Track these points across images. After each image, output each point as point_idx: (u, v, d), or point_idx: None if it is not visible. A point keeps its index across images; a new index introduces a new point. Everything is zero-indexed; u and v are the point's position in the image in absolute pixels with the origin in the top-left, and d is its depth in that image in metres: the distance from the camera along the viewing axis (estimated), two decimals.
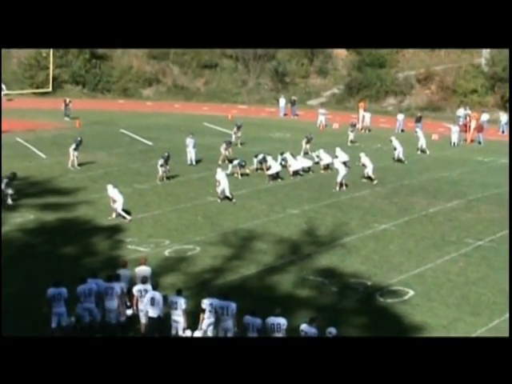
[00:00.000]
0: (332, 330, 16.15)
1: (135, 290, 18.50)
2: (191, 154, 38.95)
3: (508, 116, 55.55)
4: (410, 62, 69.48)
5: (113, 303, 18.20)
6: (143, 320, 18.15)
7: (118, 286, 18.34)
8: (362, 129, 54.91)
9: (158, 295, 17.89)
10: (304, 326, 16.40)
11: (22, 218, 28.11)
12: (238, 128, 45.72)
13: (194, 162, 38.73)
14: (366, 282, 22.83)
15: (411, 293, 21.98)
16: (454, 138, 49.54)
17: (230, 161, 37.06)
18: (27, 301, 19.84)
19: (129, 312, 18.74)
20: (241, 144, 45.03)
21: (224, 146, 39.48)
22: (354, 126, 49.15)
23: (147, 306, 17.84)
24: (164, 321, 17.97)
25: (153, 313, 17.80)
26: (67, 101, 50.99)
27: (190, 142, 39.15)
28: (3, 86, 59.40)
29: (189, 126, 51.86)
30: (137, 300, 18.38)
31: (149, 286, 18.27)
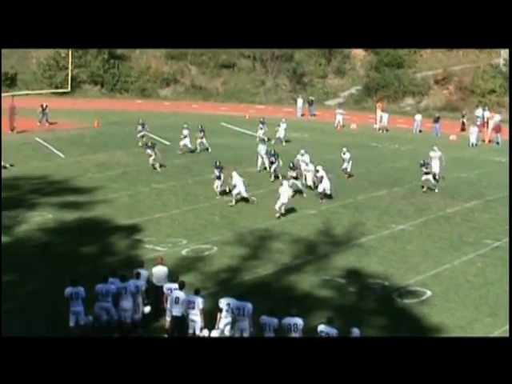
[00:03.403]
0: (355, 331, 16.12)
1: (165, 288, 18.68)
2: (185, 141, 41.53)
3: None
4: (428, 62, 69.28)
5: (127, 302, 18.27)
6: (168, 317, 18.31)
7: (133, 285, 18.41)
8: (379, 129, 54.86)
9: (182, 295, 17.98)
10: (323, 327, 16.31)
11: (41, 217, 28.25)
12: (263, 123, 46.62)
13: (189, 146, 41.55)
14: (383, 283, 22.80)
15: (429, 293, 21.94)
16: (473, 138, 49.43)
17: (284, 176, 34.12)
18: (46, 300, 19.96)
19: (146, 310, 18.81)
20: (268, 139, 45.33)
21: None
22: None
23: (172, 305, 17.98)
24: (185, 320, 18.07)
25: (176, 312, 17.92)
26: (44, 105, 50.30)
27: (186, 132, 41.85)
28: None
29: (206, 125, 51.99)
30: (166, 298, 18.51)
31: (176, 285, 18.37)
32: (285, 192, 29.09)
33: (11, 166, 36.12)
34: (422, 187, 34.32)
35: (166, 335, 18.14)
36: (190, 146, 41.58)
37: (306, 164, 34.91)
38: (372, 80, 68.32)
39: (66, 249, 24.82)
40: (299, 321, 16.63)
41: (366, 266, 24.24)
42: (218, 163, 32.26)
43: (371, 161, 41.85)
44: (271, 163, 35.73)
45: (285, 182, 30.05)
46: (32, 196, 31.27)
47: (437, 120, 53.71)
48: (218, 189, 31.81)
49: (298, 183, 32.69)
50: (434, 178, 35.56)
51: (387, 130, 54.32)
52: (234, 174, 31.36)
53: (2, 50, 62.48)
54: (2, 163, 35.19)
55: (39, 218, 28.16)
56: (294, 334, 16.51)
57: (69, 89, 55.29)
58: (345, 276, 23.20)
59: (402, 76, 67.60)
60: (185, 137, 41.48)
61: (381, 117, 55.41)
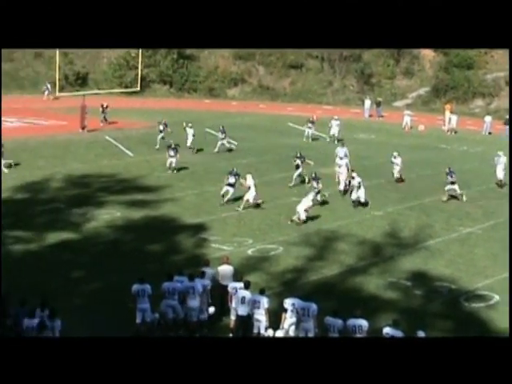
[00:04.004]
0: (421, 334, 15.98)
1: (230, 287, 18.78)
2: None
3: None
4: (499, 63, 68.16)
5: (194, 302, 18.37)
6: (233, 316, 18.39)
7: (200, 284, 18.52)
8: (448, 131, 54.31)
9: (248, 294, 18.04)
10: (388, 329, 16.21)
11: (109, 214, 28.64)
12: (312, 122, 47.21)
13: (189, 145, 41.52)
14: (449, 286, 22.57)
15: (496, 298, 21.63)
16: None
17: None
18: (113, 296, 20.24)
19: (211, 310, 18.92)
20: (312, 139, 45.40)
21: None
22: None
23: (238, 304, 18.07)
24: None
25: (242, 311, 18.01)
26: (104, 105, 50.73)
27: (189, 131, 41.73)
28: (48, 86, 60.85)
29: (273, 126, 52.12)
30: (231, 297, 18.60)
31: (241, 284, 18.44)
32: (304, 202, 28.32)
33: (11, 165, 36.16)
34: (449, 196, 33.06)
35: (230, 334, 18.23)
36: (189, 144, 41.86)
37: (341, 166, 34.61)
38: (441, 81, 67.56)
39: (133, 246, 25.13)
40: (364, 322, 16.55)
41: (433, 268, 24.02)
42: (234, 170, 31.27)
43: (439, 163, 41.35)
44: (297, 167, 34.76)
45: (310, 195, 28.93)
46: (101, 194, 31.73)
47: (507, 122, 52.88)
48: (229, 196, 30.67)
49: (318, 197, 30.59)
50: (499, 184, 34.96)
51: (456, 132, 53.73)
52: (249, 176, 30.50)
53: (75, 50, 63.85)
54: (5, 161, 35.37)
55: (107, 215, 28.55)
56: (359, 336, 16.44)
57: (138, 88, 55.88)
58: (411, 278, 23.02)
59: (472, 77, 66.72)
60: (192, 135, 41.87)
61: (449, 118, 54.84)
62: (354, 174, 31.83)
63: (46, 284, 20.69)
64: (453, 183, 32.81)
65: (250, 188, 30.13)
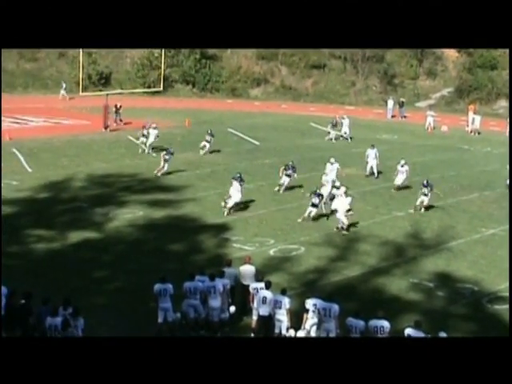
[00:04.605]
0: (443, 335, 15.90)
1: (251, 287, 18.76)
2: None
3: None
4: None
5: (216, 301, 18.38)
6: (255, 316, 18.40)
7: (221, 284, 18.54)
8: (471, 131, 54.08)
9: (270, 294, 18.04)
10: (410, 331, 16.12)
11: (132, 214, 28.71)
12: (334, 125, 47.79)
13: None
14: (472, 287, 22.45)
15: None
16: None
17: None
18: (135, 295, 20.30)
19: (232, 309, 18.93)
20: (335, 139, 46.30)
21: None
22: None
23: (259, 304, 18.07)
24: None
25: (263, 311, 18.01)
26: (118, 105, 49.73)
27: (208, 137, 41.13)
28: (63, 85, 61.00)
29: (296, 126, 52.08)
30: (252, 297, 18.60)
31: (262, 285, 18.44)
32: (341, 208, 27.41)
33: None
34: (417, 207, 30.63)
35: (252, 334, 18.24)
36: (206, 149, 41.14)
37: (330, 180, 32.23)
38: (464, 82, 67.29)
39: (154, 246, 25.18)
40: (386, 323, 16.49)
41: (456, 270, 23.91)
42: (238, 175, 30.22)
43: (462, 163, 41.27)
44: (288, 176, 32.90)
45: (343, 199, 27.80)
46: (123, 193, 31.83)
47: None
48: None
49: (314, 211, 28.61)
50: None
51: (479, 133, 53.47)
52: (235, 183, 29.64)
53: (99, 50, 64.13)
54: None
55: (129, 214, 28.63)
56: (380, 337, 16.38)
57: (161, 88, 56.02)
58: (433, 280, 22.93)
59: (496, 78, 66.40)
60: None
61: (473, 119, 54.59)
62: (338, 184, 30.12)
63: (69, 283, 20.79)
64: (425, 195, 30.31)
65: (231, 196, 29.23)
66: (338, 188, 29.14)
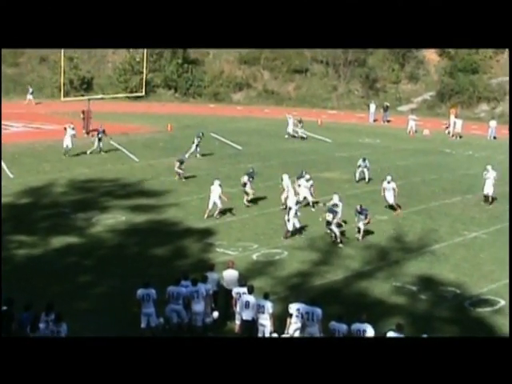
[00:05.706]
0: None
1: (234, 292, 18.75)
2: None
3: None
4: (504, 67, 68.11)
5: (199, 306, 18.34)
6: (238, 321, 18.39)
7: (204, 288, 18.51)
8: (453, 135, 54.32)
9: (252, 299, 18.02)
10: (392, 334, 16.17)
11: (114, 219, 28.63)
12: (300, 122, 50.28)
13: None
14: (455, 290, 22.50)
15: (502, 302, 21.52)
16: None
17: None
18: (118, 300, 20.22)
19: (215, 314, 18.88)
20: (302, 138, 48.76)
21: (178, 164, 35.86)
22: None
23: (242, 309, 18.06)
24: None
25: (246, 316, 18.00)
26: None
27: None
28: (30, 89, 60.82)
29: (278, 130, 52.11)
30: (235, 301, 18.58)
31: (245, 289, 18.42)
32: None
33: None
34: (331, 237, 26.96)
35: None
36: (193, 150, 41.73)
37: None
38: (446, 86, 67.53)
39: (137, 251, 25.12)
40: (369, 327, 16.51)
41: (438, 273, 23.97)
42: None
43: (444, 167, 41.42)
44: (244, 185, 31.65)
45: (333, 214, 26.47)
46: (105, 198, 31.75)
47: None
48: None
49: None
50: (487, 199, 33.11)
51: (461, 137, 53.71)
52: (216, 187, 29.54)
53: (81, 55, 63.96)
54: None
55: (112, 220, 28.55)
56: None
57: (143, 93, 55.94)
58: (416, 283, 22.97)
59: (477, 82, 66.69)
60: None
61: (454, 123, 54.83)
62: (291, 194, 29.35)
63: (51, 288, 20.70)
64: (329, 223, 26.62)
65: (214, 202, 29.21)
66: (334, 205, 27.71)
